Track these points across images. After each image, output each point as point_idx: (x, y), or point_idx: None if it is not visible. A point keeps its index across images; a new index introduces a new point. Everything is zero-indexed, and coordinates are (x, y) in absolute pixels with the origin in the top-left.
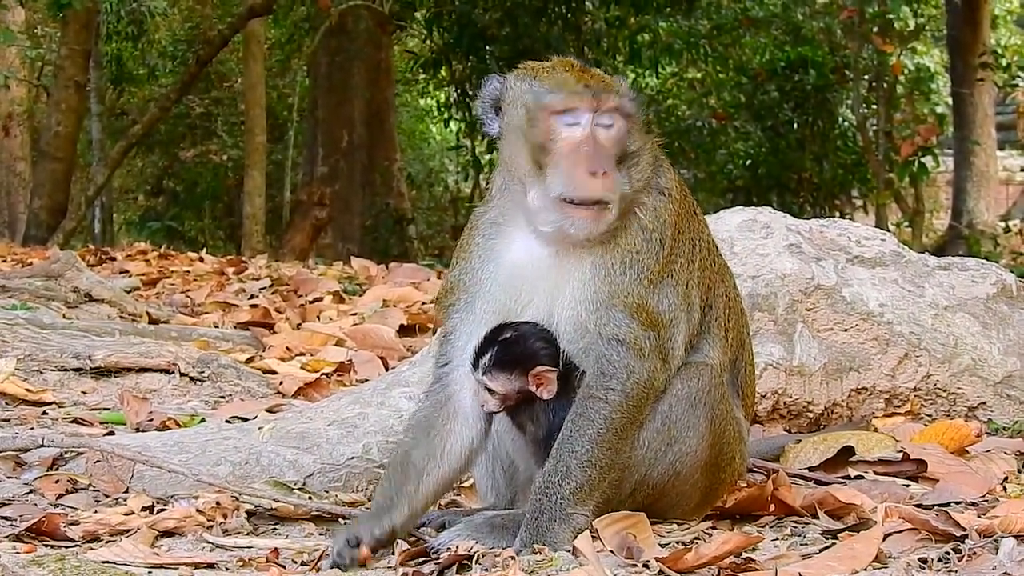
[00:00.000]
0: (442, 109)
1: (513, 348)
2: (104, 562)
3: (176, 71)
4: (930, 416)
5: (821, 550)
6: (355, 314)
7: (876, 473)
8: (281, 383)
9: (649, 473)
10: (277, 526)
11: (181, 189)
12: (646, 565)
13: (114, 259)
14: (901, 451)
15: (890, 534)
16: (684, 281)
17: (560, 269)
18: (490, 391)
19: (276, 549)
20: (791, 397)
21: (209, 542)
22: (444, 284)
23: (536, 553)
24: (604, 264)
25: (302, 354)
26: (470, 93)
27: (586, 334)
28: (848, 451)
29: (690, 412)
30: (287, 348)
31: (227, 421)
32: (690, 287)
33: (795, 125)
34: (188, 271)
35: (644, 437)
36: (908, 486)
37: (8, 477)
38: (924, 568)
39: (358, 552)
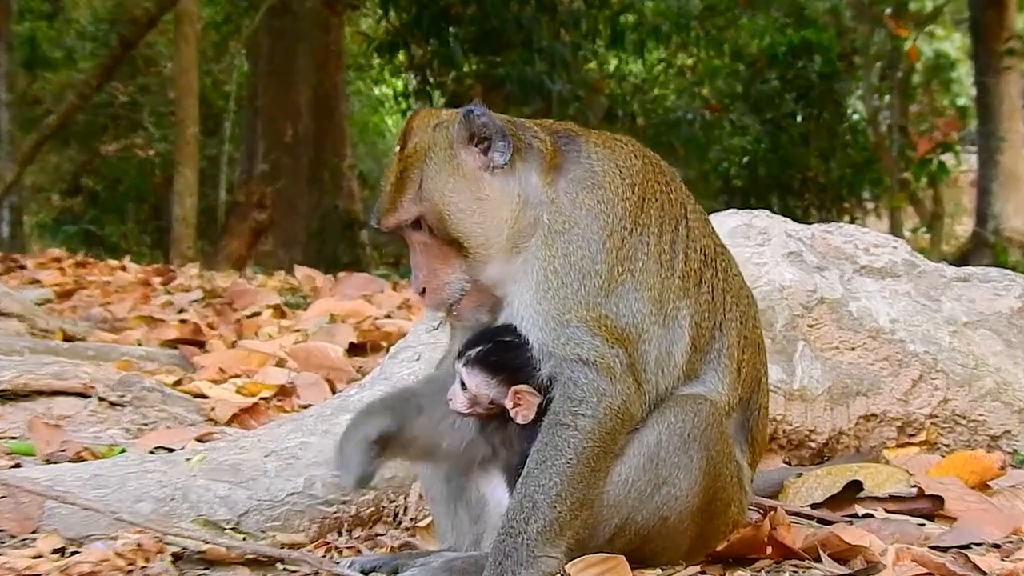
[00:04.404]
0: (399, 99)
1: (507, 353)
2: None
3: (97, 54)
4: (947, 446)
5: None
6: (298, 331)
7: (886, 511)
8: (213, 409)
9: (632, 517)
10: (207, 571)
11: (101, 188)
12: None
13: (24, 267)
14: (915, 486)
15: None
16: (653, 286)
17: (509, 296)
18: (464, 386)
19: None
20: (791, 425)
21: None
22: None
23: None
24: (540, 278)
25: (237, 376)
26: (431, 80)
27: (550, 358)
28: (855, 486)
29: (683, 450)
30: (220, 369)
31: (151, 452)
32: (665, 295)
33: (798, 118)
34: (108, 281)
35: (628, 475)
36: (922, 525)
37: None
38: None
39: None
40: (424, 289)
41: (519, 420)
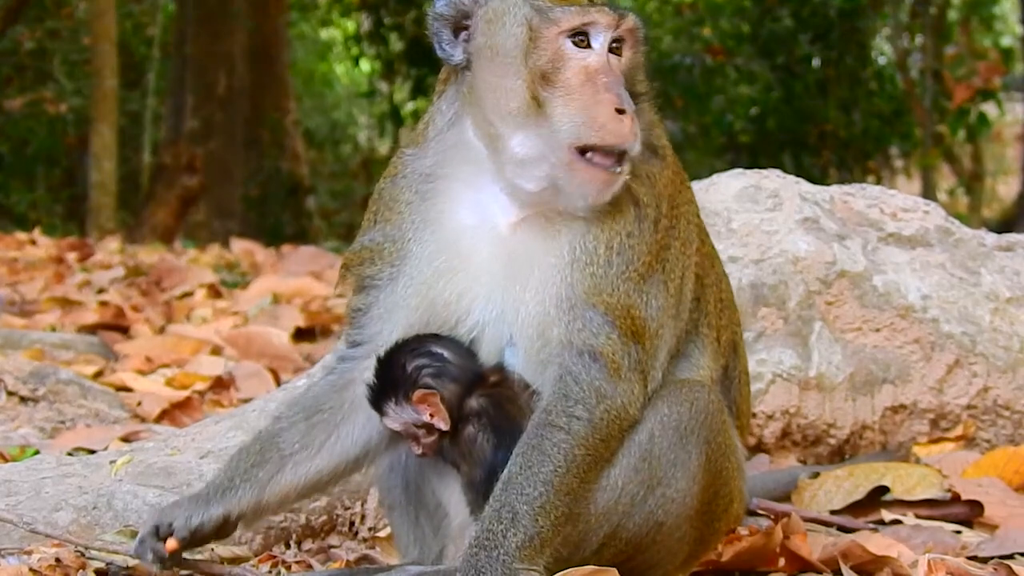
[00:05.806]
0: (349, 43)
1: (390, 370)
2: None
3: None
4: (988, 442)
5: None
6: (236, 313)
7: (917, 516)
8: (139, 404)
9: (623, 524)
10: None
11: (6, 150)
12: None
13: None
14: (949, 488)
15: None
16: (678, 274)
17: (523, 247)
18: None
19: None
20: (806, 418)
21: None
22: (357, 246)
23: None
24: (586, 247)
25: (166, 366)
26: (386, 21)
27: (549, 341)
28: (881, 489)
29: (679, 446)
30: (147, 358)
31: (69, 453)
32: (685, 280)
33: (815, 63)
34: (16, 258)
35: (618, 478)
36: (959, 533)
37: None
38: None
39: (162, 545)
40: (631, 111)
41: (441, 427)
